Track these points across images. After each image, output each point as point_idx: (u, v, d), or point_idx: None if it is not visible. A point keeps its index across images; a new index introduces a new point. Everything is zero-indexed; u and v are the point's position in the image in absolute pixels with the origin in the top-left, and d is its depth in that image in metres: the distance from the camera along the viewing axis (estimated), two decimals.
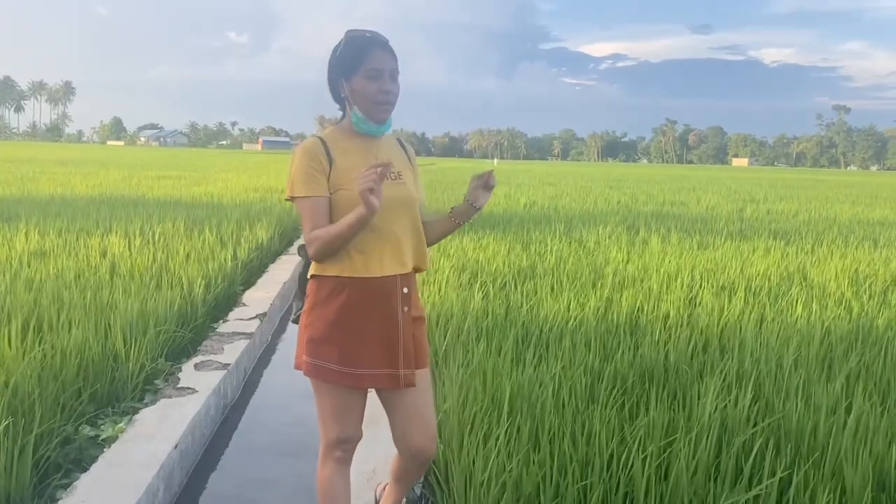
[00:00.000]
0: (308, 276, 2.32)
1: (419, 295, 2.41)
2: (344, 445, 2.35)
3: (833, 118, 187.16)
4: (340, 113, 2.33)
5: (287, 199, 2.26)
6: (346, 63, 2.22)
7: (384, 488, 2.72)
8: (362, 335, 2.24)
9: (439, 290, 5.73)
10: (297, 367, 2.33)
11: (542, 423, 3.01)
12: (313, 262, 2.27)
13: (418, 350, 2.35)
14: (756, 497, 2.57)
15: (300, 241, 2.51)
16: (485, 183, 2.30)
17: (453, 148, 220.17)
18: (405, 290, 2.29)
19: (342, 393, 2.28)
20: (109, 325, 4.62)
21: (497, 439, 2.84)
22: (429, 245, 2.42)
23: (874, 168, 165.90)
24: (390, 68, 2.21)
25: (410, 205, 2.31)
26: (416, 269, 2.36)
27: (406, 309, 2.29)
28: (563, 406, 3.21)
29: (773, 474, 2.64)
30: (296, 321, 2.42)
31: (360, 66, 2.19)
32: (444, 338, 4.44)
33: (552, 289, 5.93)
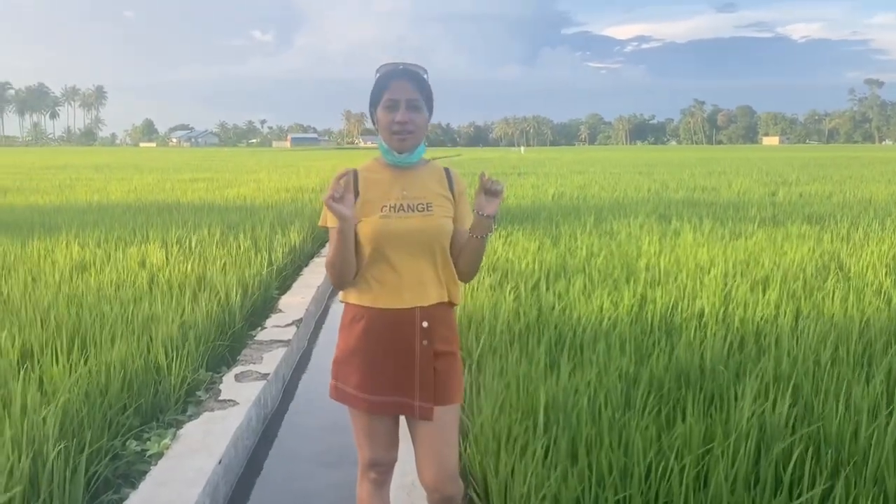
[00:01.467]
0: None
1: (453, 329, 2.37)
2: (376, 468, 2.39)
3: (866, 93, 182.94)
4: (368, 109, 2.36)
5: (320, 227, 2.34)
6: (372, 95, 2.29)
7: None
8: (377, 363, 2.27)
9: (471, 292, 5.76)
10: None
11: (579, 433, 3.03)
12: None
13: (441, 385, 2.28)
14: None
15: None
16: (484, 188, 2.25)
17: (479, 137, 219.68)
18: (425, 323, 2.26)
19: (366, 416, 2.32)
20: (151, 337, 4.73)
21: (534, 452, 2.87)
22: (468, 275, 2.38)
23: None
24: (408, 98, 2.22)
25: (436, 236, 2.28)
26: (450, 303, 2.34)
27: (426, 343, 2.26)
28: (600, 415, 3.22)
29: (814, 483, 2.64)
30: None
31: (381, 98, 2.25)
32: (477, 343, 4.47)
33: (584, 287, 5.92)
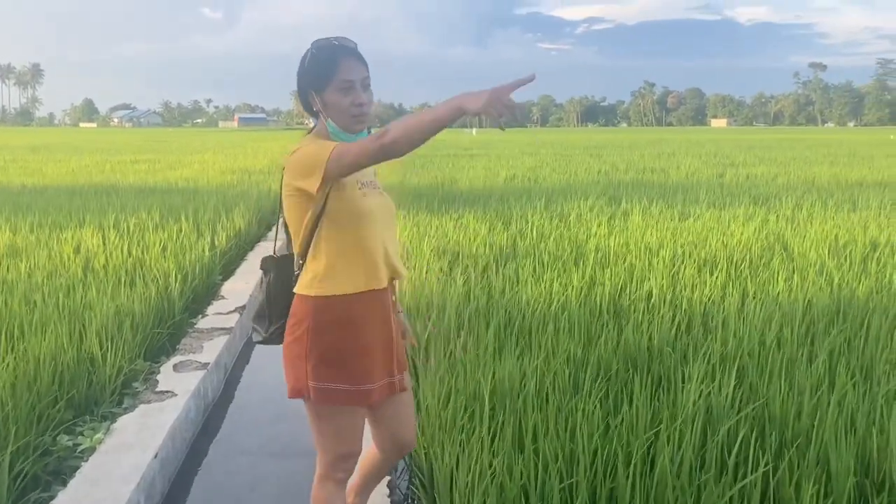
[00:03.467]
0: (296, 293, 2.20)
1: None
2: (346, 465, 2.30)
3: (809, 76, 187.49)
4: (306, 88, 2.18)
5: (295, 188, 2.10)
6: (316, 76, 2.13)
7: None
8: (368, 350, 2.20)
9: (420, 276, 5.67)
10: (296, 395, 2.20)
11: (525, 419, 2.98)
12: (307, 283, 2.16)
13: (403, 352, 2.37)
14: (742, 489, 2.55)
15: (265, 255, 2.39)
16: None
17: None
18: (394, 297, 2.32)
19: (348, 411, 2.22)
20: (84, 327, 4.53)
21: (480, 439, 2.81)
22: None
23: (851, 124, 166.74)
24: (362, 78, 2.14)
25: (394, 213, 2.32)
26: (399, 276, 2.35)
27: (394, 314, 2.31)
28: (547, 400, 3.18)
29: (758, 464, 2.63)
30: (272, 342, 2.33)
31: (332, 79, 2.11)
32: (425, 329, 4.39)
33: (534, 270, 5.88)
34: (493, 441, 2.90)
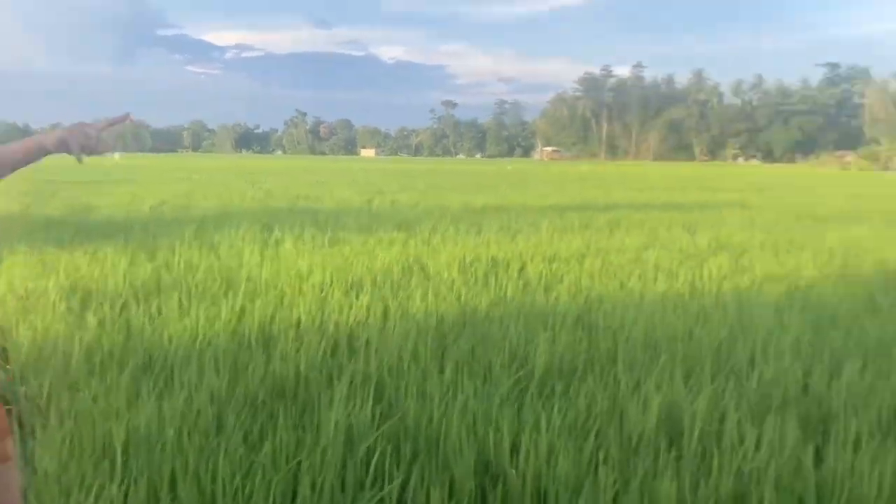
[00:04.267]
0: None
1: None
2: None
3: (443, 112, 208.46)
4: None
5: None
6: None
7: None
8: None
9: (42, 320, 5.01)
10: None
11: (164, 467, 2.79)
12: None
13: (2, 414, 2.08)
14: (379, 502, 2.69)
15: None
16: None
17: None
18: None
19: None
20: None
21: (110, 500, 2.56)
22: None
23: (478, 156, 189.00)
24: None
25: None
26: None
27: None
28: (189, 442, 3.01)
29: (393, 478, 2.80)
30: None
31: None
32: (46, 381, 3.88)
33: (180, 304, 5.58)
34: (126, 498, 2.66)
